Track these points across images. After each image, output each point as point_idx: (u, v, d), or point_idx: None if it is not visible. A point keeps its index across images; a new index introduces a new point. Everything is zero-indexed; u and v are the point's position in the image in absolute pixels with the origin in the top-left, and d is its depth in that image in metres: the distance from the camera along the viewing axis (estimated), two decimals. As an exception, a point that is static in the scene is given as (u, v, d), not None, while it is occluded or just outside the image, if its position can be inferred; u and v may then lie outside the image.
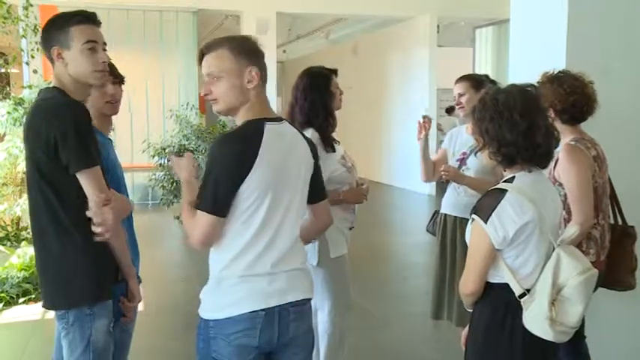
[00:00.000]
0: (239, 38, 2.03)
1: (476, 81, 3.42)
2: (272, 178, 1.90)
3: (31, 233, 2.32)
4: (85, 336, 2.15)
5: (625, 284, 2.83)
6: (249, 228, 1.91)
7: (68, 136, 2.04)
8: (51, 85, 2.21)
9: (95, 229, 2.08)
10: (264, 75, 1.99)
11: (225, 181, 1.87)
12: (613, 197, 2.87)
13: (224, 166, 1.87)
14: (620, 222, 2.88)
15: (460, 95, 3.41)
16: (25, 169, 2.36)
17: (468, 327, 2.17)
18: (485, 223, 1.95)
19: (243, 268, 1.92)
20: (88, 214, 2.07)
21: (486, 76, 3.64)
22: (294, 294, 1.97)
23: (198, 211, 1.89)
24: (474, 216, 2.00)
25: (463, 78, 3.48)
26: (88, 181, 2.07)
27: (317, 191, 2.12)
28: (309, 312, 2.06)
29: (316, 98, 3.00)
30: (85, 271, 2.15)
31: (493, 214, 1.94)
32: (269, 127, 1.93)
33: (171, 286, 5.53)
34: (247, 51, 1.96)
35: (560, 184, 2.65)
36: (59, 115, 2.06)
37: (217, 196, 1.87)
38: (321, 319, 3.12)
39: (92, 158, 2.08)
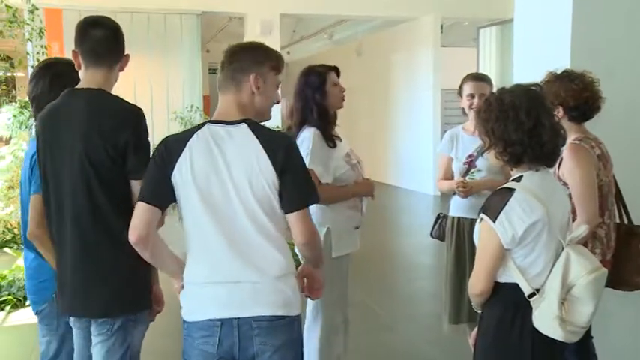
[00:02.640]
0: None
1: (490, 82, 3.29)
2: (196, 175, 1.91)
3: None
4: (126, 341, 2.21)
5: (631, 284, 2.82)
6: (192, 227, 1.97)
7: (142, 144, 2.14)
8: (93, 87, 2.21)
9: None
10: (221, 79, 2.05)
11: (154, 170, 1.97)
12: (618, 196, 2.86)
13: (156, 158, 1.98)
14: (625, 221, 2.87)
15: (481, 95, 3.26)
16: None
17: (477, 327, 2.17)
18: (494, 222, 1.95)
19: (203, 274, 1.96)
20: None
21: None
22: (258, 309, 1.91)
23: None
24: (482, 215, 2.01)
25: (480, 78, 3.37)
26: None
27: (284, 201, 1.95)
28: (285, 328, 1.96)
29: (309, 97, 3.00)
30: (137, 279, 2.21)
31: (502, 214, 1.94)
32: (207, 127, 1.97)
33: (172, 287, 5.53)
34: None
35: (565, 184, 2.64)
36: (136, 121, 2.16)
37: (146, 183, 1.98)
38: (308, 317, 3.05)
39: None
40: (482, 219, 2.01)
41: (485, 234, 2.00)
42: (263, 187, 1.91)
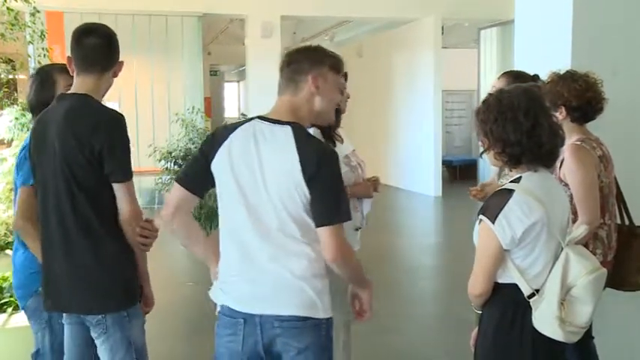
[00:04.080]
0: None
1: (515, 78, 3.09)
2: (233, 167, 1.93)
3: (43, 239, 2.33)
4: (126, 337, 2.25)
5: (633, 284, 2.82)
6: (226, 217, 1.99)
7: (117, 147, 2.16)
8: (79, 92, 2.25)
9: (144, 240, 2.23)
10: (280, 82, 2.04)
11: (197, 154, 2.04)
12: (619, 197, 2.86)
13: (203, 144, 2.04)
14: (627, 222, 2.87)
15: None
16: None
17: (477, 328, 2.18)
18: (493, 223, 1.95)
19: (230, 265, 1.98)
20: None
21: (535, 76, 3.39)
22: (279, 308, 1.91)
23: None
24: (481, 217, 2.00)
25: (504, 74, 3.25)
26: (125, 193, 2.17)
27: (313, 214, 1.89)
28: (310, 331, 1.93)
29: None
30: (119, 277, 2.24)
31: (500, 215, 1.94)
32: (254, 122, 1.98)
33: (180, 289, 5.54)
34: None
35: (566, 185, 2.64)
36: (113, 125, 2.18)
37: (187, 167, 2.06)
38: None
39: (132, 171, 2.21)
40: (481, 220, 2.01)
41: (485, 235, 1.99)
42: (291, 194, 1.87)
